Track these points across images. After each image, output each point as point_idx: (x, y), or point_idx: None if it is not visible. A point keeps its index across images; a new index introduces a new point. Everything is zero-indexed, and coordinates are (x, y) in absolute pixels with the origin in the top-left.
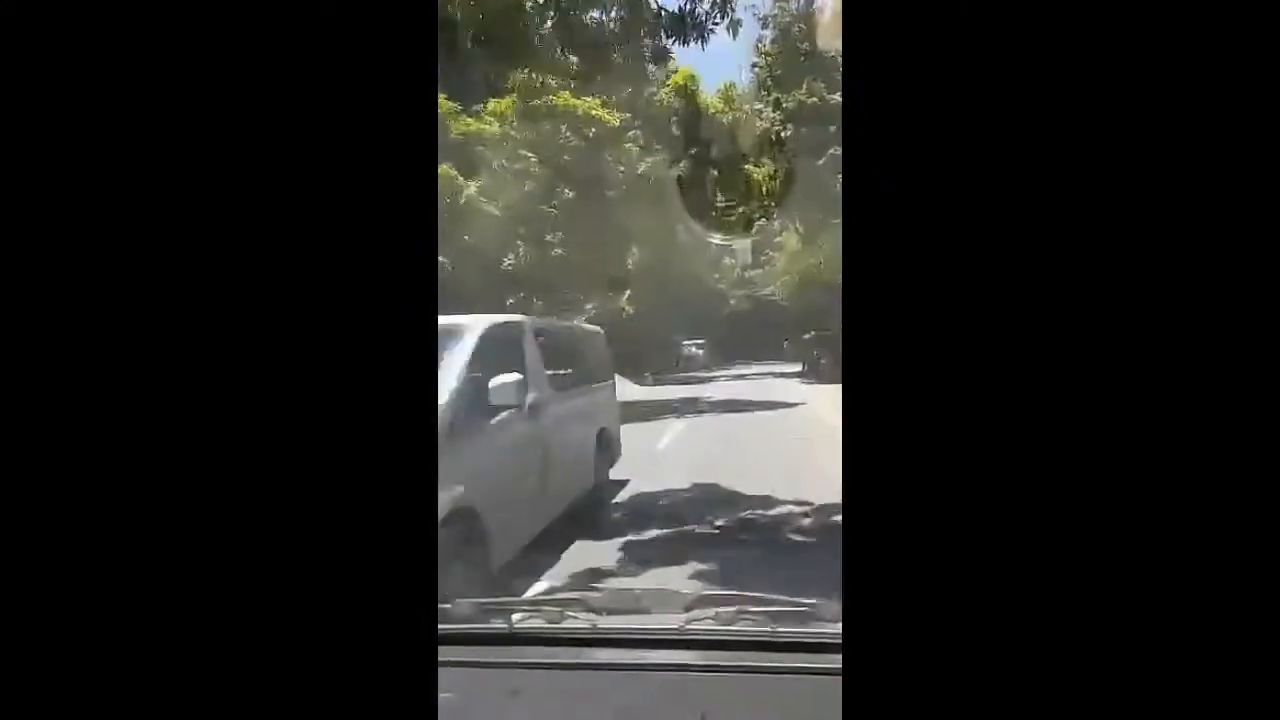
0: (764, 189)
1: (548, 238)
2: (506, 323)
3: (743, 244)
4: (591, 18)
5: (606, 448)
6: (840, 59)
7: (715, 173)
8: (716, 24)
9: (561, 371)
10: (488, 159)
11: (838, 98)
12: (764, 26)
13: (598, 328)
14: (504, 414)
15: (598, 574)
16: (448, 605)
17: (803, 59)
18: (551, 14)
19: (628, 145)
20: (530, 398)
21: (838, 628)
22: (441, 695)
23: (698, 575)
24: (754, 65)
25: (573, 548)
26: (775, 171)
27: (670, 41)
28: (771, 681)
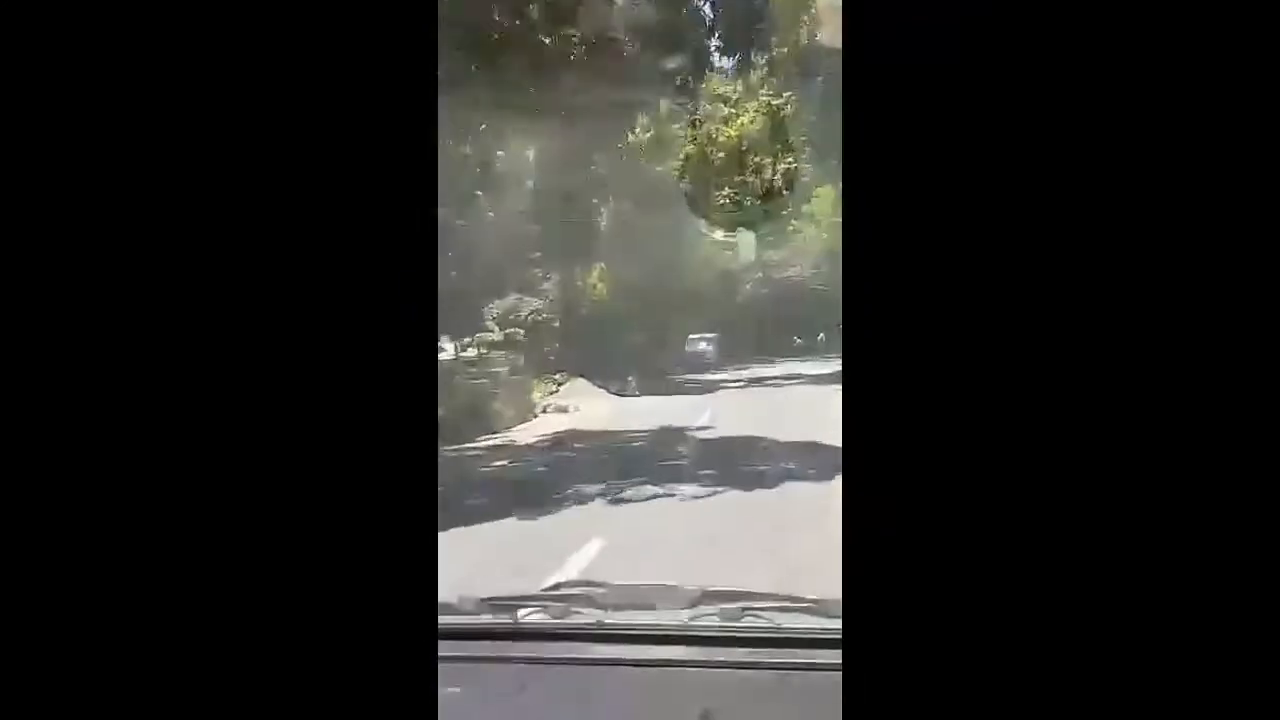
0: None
1: None
2: None
3: (746, 239)
4: None
5: None
6: None
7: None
8: None
9: None
10: None
11: None
12: None
13: None
14: None
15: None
16: (453, 600)
17: None
18: None
19: None
20: None
21: (838, 621)
22: (446, 690)
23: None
24: None
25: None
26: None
27: None
28: (775, 677)
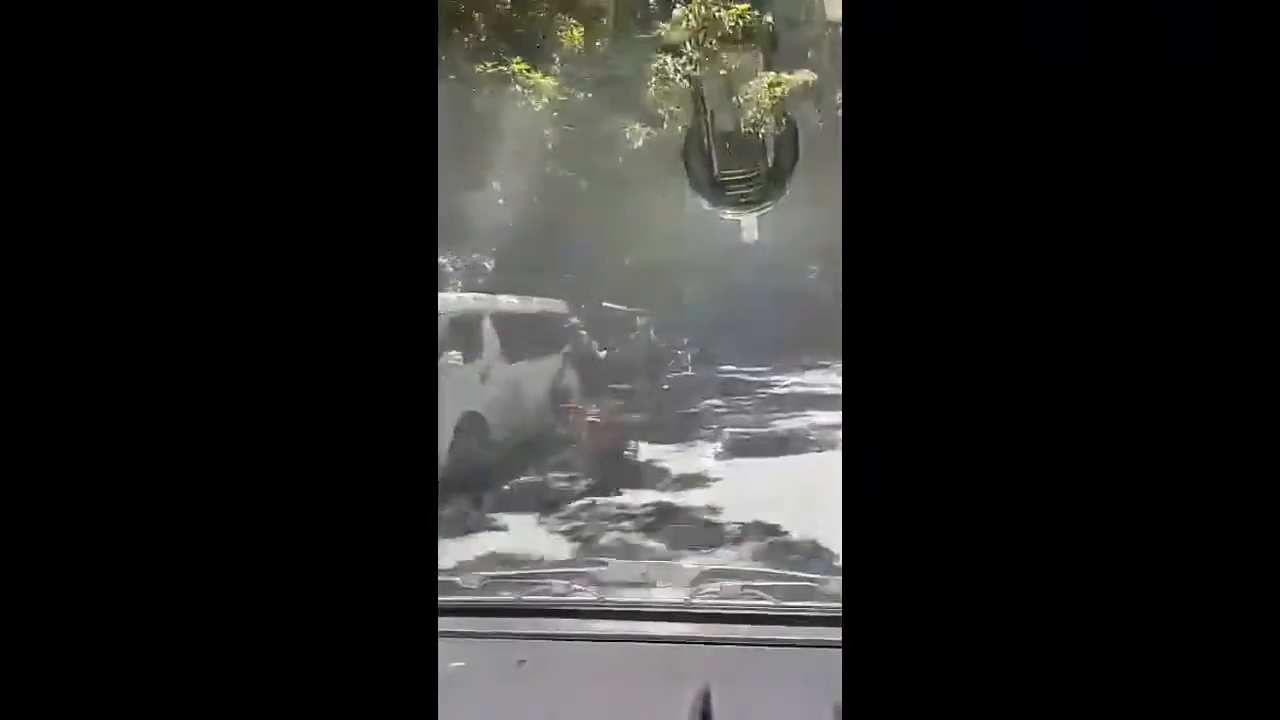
0: None
1: None
2: None
3: (749, 221)
4: None
5: None
6: None
7: None
8: None
9: None
10: None
11: None
12: None
13: None
14: None
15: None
16: (456, 578)
17: None
18: None
19: None
20: None
21: (838, 602)
22: (449, 665)
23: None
24: None
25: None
26: None
27: None
28: (773, 654)
